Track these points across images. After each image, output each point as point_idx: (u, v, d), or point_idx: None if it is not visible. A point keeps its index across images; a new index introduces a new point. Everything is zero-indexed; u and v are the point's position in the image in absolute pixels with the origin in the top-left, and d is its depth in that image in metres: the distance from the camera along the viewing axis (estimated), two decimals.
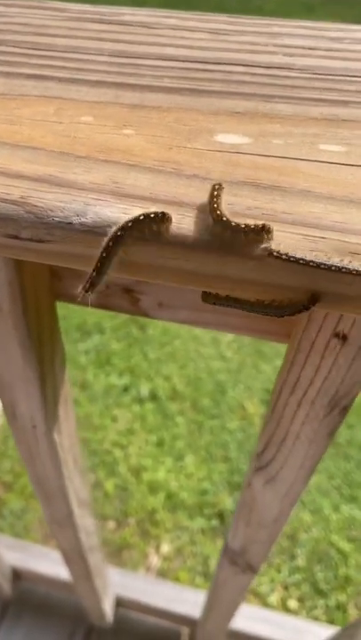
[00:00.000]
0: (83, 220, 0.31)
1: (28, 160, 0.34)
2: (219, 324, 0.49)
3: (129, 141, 0.35)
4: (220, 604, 0.96)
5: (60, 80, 0.39)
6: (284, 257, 0.28)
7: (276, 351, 2.48)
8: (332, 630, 1.24)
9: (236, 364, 2.44)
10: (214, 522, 1.92)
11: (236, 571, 0.77)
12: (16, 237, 0.32)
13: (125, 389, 2.32)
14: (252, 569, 0.75)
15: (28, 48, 0.42)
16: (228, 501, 1.96)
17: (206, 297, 0.33)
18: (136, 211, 0.31)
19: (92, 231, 0.31)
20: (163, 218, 0.29)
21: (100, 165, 0.33)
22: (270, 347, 2.51)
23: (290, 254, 0.28)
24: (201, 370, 2.41)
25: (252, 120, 0.35)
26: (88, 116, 0.37)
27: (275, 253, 0.28)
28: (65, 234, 0.31)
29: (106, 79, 0.39)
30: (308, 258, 0.28)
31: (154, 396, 2.29)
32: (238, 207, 0.30)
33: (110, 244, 0.30)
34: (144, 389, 2.31)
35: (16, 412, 0.58)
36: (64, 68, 0.40)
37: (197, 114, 0.36)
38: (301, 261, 0.28)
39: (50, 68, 0.40)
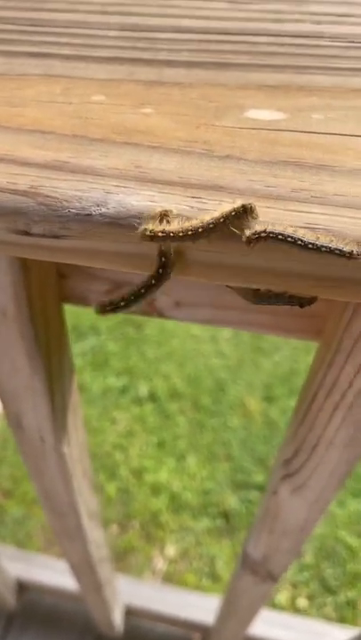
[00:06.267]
0: (104, 210, 0.27)
1: (35, 145, 0.30)
2: (243, 322, 0.45)
3: (149, 121, 0.31)
4: (238, 613, 0.92)
5: (65, 57, 0.35)
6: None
7: (275, 346, 2.45)
8: (349, 632, 1.22)
9: (236, 361, 2.41)
10: (219, 522, 1.88)
11: (255, 580, 0.73)
12: (27, 234, 0.28)
13: (124, 390, 2.28)
14: (272, 578, 0.71)
15: (27, 25, 0.38)
16: (232, 500, 1.92)
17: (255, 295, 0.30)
18: (162, 198, 0.27)
19: (116, 223, 0.27)
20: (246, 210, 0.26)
21: (118, 148, 0.29)
22: (269, 342, 2.47)
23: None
24: (200, 368, 2.37)
25: (286, 94, 0.32)
26: (100, 95, 0.32)
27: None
28: (83, 227, 0.27)
29: (117, 55, 0.35)
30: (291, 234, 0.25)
31: (153, 397, 2.25)
32: (283, 190, 0.26)
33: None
34: (143, 390, 2.27)
35: (22, 423, 0.54)
36: (68, 44, 0.36)
37: (223, 89, 0.32)
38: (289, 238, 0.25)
39: (53, 45, 0.36)
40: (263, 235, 0.25)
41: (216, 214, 0.25)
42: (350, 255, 0.24)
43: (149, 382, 2.30)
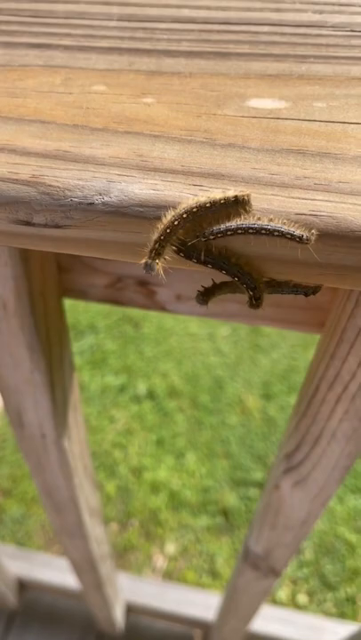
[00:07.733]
0: (106, 199, 0.27)
1: (36, 135, 0.30)
2: (245, 315, 0.45)
3: (150, 110, 0.30)
4: (239, 609, 0.92)
5: (65, 48, 0.35)
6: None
7: (273, 344, 2.45)
8: (349, 627, 1.22)
9: (234, 359, 2.40)
10: (218, 519, 1.88)
11: (257, 575, 0.73)
12: (28, 223, 0.28)
13: (122, 389, 2.28)
14: (275, 572, 0.71)
15: (27, 16, 0.38)
16: (231, 498, 1.92)
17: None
18: (165, 186, 0.27)
19: (118, 211, 0.27)
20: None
21: (120, 138, 0.29)
22: (267, 340, 2.47)
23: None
24: (198, 366, 2.37)
25: (287, 83, 0.31)
26: (100, 85, 0.32)
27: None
28: (86, 216, 0.27)
29: (117, 45, 0.35)
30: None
31: (152, 395, 2.25)
32: (286, 178, 0.26)
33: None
34: (141, 388, 2.27)
35: (23, 419, 0.54)
36: (69, 35, 0.36)
37: (225, 78, 0.32)
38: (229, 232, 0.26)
39: (53, 35, 0.36)
40: (212, 236, 0.26)
41: (202, 199, 0.25)
42: (300, 240, 0.24)
43: (148, 380, 2.30)
